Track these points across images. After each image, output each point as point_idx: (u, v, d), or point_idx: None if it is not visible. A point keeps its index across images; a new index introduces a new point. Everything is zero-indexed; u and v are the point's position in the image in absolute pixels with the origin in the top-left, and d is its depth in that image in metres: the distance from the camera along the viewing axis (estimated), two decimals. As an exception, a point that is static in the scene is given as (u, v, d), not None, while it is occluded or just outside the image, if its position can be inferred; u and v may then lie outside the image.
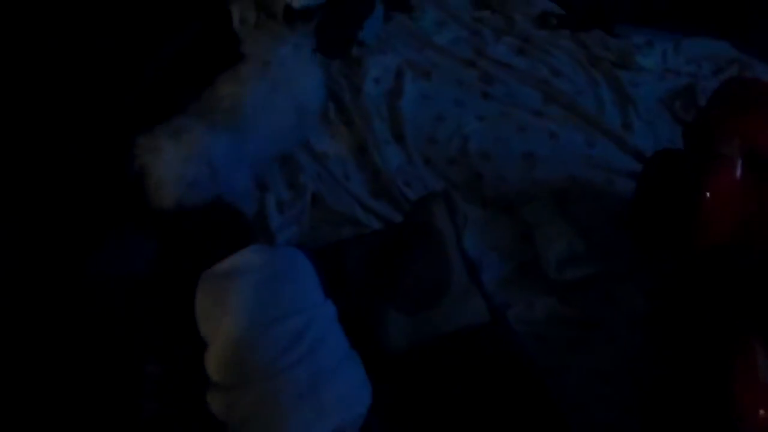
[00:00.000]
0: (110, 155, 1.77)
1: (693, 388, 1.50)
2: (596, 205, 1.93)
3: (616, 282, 1.77)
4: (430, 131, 2.09)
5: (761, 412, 1.34)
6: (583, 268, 1.77)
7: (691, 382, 1.52)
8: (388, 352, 1.55)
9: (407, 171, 1.99)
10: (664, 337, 1.69)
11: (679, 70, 2.30)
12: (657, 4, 2.45)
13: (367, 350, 1.49)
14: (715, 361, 1.44)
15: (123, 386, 1.53)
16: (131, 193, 1.64)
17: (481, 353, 1.57)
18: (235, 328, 1.35)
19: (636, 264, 1.81)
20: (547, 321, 1.73)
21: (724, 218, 1.55)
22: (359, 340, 1.49)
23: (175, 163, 1.63)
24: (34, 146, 1.90)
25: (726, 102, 1.68)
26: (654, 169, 1.84)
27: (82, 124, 1.93)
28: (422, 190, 1.93)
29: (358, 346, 1.48)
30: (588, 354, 1.67)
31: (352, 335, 1.49)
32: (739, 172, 1.55)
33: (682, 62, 2.33)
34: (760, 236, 1.56)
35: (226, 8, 2.12)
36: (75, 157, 1.86)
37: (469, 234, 1.82)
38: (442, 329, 1.59)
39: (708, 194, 1.54)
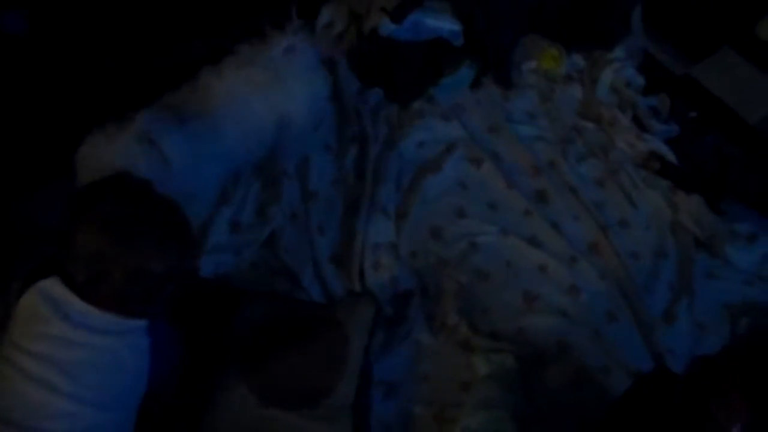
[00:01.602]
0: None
1: None
2: (567, 395, 1.59)
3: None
4: (440, 224, 1.81)
5: None
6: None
7: None
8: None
9: (385, 253, 1.73)
10: None
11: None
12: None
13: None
14: None
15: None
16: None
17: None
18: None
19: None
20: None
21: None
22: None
23: (125, 151, 1.49)
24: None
25: (742, 355, 1.29)
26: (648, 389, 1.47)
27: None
28: (386, 282, 1.67)
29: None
30: None
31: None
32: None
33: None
34: None
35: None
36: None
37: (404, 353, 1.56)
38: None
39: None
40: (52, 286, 1.14)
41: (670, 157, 2.08)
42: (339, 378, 1.41)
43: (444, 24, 2.04)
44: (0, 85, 1.73)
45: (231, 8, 1.90)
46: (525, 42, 2.19)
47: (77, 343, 1.12)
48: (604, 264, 1.82)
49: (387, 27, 1.99)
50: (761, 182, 2.06)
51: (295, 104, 1.73)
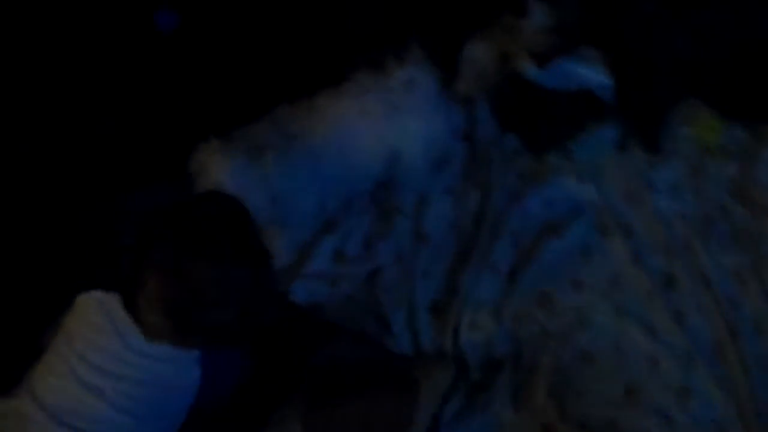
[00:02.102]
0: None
1: None
2: None
3: None
4: (552, 292, 1.69)
5: None
6: None
7: None
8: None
9: (486, 313, 1.63)
10: None
11: None
12: None
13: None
14: None
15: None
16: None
17: None
18: None
19: None
20: None
21: None
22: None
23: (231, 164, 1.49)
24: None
25: None
26: None
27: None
28: (480, 343, 1.59)
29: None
30: None
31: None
32: None
33: None
34: None
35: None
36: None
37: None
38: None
39: None
40: (111, 301, 1.17)
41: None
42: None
43: (594, 75, 1.91)
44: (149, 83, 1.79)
45: (353, 37, 1.86)
46: (681, 106, 2.02)
47: (128, 361, 1.15)
48: (725, 371, 1.64)
49: (532, 71, 1.89)
50: None
51: (409, 140, 1.66)
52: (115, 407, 1.16)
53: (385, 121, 1.65)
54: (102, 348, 1.17)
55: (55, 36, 1.80)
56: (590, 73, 1.90)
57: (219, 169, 1.48)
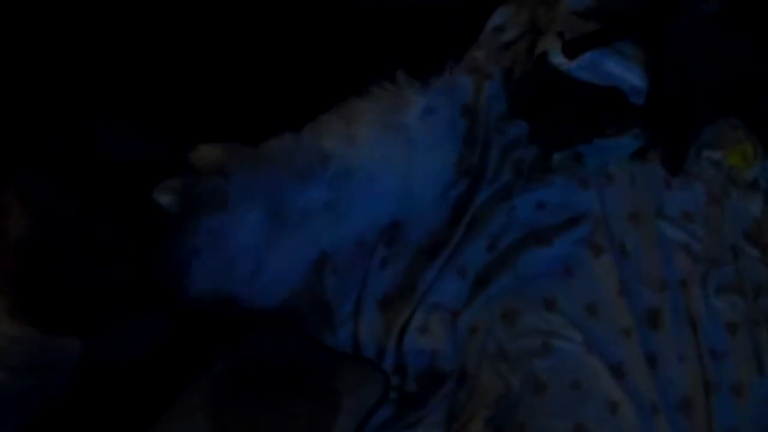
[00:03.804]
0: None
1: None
2: None
3: None
4: (520, 308, 1.53)
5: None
6: None
7: None
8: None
9: (440, 319, 1.48)
10: None
11: None
12: None
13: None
14: None
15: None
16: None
17: None
18: None
19: None
20: None
21: None
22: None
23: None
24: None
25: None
26: None
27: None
28: (426, 352, 1.45)
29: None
30: None
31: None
32: None
33: None
34: None
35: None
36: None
37: None
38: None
39: None
40: None
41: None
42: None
43: (628, 75, 1.70)
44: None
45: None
46: (716, 126, 1.79)
47: None
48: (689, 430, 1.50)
49: (558, 56, 1.68)
50: None
51: (422, 176, 1.52)
52: None
53: (404, 160, 1.51)
54: None
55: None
56: (624, 72, 1.69)
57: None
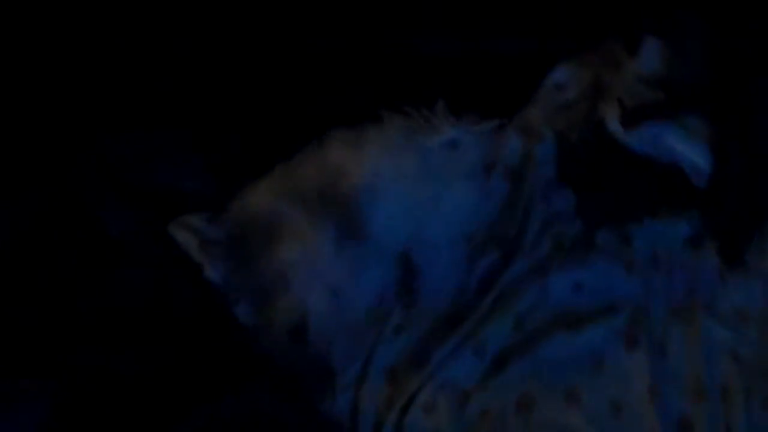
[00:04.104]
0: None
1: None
2: None
3: None
4: (538, 397, 1.40)
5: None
6: None
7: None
8: None
9: (449, 398, 1.37)
10: None
11: None
12: None
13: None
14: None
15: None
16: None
17: None
18: None
19: None
20: None
21: None
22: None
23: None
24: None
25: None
26: None
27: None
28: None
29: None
30: None
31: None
32: None
33: None
34: None
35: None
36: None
37: None
38: None
39: None
40: None
41: None
42: None
43: (691, 153, 1.55)
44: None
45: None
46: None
47: None
48: None
49: (616, 124, 1.56)
50: None
51: (436, 213, 1.40)
52: None
53: (420, 186, 1.43)
54: None
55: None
56: (687, 150, 1.55)
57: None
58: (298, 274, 1.42)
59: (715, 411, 1.46)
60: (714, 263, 1.60)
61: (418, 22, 1.71)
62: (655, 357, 1.48)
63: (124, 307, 1.30)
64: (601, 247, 1.56)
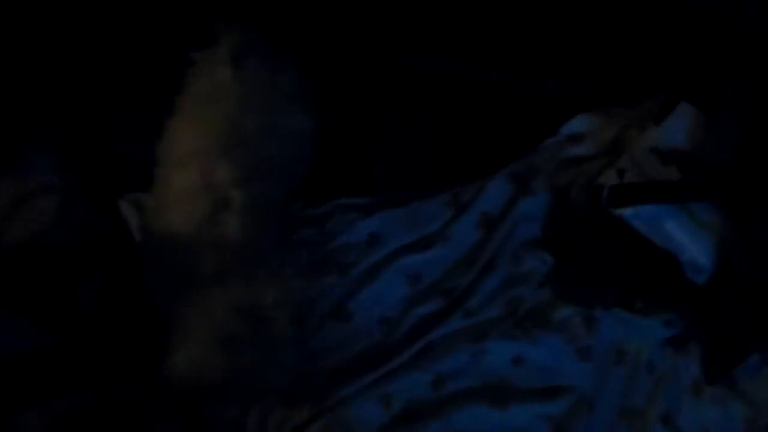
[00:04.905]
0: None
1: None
2: None
3: None
4: None
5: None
6: None
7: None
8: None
9: None
10: None
11: None
12: None
13: None
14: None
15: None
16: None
17: None
18: None
19: None
20: None
21: None
22: None
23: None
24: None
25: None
26: None
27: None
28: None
29: None
30: None
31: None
32: None
33: None
34: None
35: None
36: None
37: None
38: None
39: None
40: None
41: None
42: None
43: (692, 246, 1.36)
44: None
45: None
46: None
47: None
48: None
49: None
50: None
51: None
52: None
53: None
54: None
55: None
56: (688, 241, 1.36)
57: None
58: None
59: None
60: (693, 372, 1.40)
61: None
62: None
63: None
64: (559, 325, 1.41)
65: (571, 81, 1.62)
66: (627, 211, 1.37)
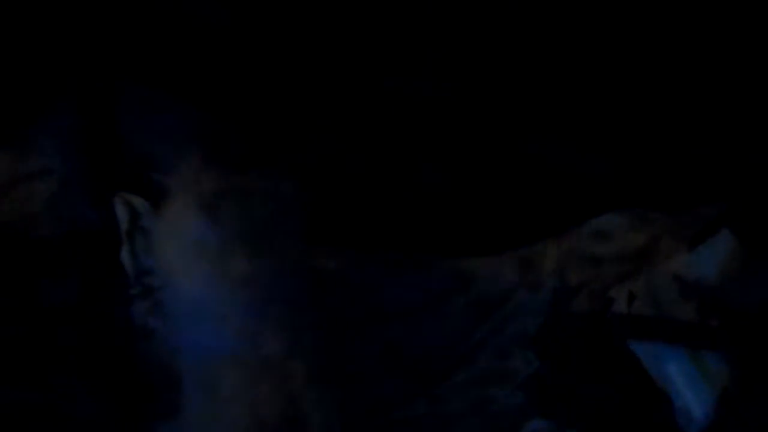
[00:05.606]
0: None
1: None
2: None
3: None
4: None
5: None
6: None
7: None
8: None
9: None
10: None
11: None
12: None
13: None
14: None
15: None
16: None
17: None
18: None
19: None
20: None
21: None
22: None
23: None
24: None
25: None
26: None
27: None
28: None
29: None
30: None
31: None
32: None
33: None
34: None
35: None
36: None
37: None
38: None
39: None
40: None
41: None
42: None
43: (688, 393, 1.23)
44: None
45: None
46: None
47: None
48: None
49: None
50: None
51: None
52: None
53: None
54: None
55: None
56: (686, 388, 1.23)
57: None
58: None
59: None
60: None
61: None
62: None
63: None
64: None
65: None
66: (634, 343, 1.26)
